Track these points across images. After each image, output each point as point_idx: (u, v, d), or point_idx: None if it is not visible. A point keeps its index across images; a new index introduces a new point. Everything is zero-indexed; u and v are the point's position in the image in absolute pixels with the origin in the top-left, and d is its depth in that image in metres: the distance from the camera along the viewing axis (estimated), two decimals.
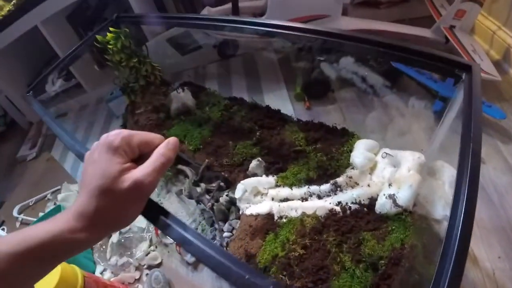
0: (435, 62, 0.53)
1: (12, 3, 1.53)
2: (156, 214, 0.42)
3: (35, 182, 1.48)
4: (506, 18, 1.14)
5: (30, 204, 1.36)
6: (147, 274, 0.90)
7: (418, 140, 0.85)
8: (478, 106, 0.41)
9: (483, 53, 1.06)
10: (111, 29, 0.94)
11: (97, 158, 0.40)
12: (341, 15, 1.18)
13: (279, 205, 0.70)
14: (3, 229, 1.32)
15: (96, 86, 1.80)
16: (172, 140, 0.44)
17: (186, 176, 0.92)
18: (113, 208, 0.38)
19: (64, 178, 1.35)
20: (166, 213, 0.42)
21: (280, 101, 1.18)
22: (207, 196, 0.84)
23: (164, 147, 0.43)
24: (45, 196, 1.36)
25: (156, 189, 1.02)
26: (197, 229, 0.87)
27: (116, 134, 0.41)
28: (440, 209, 0.62)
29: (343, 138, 0.79)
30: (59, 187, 1.34)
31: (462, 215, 0.34)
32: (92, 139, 1.52)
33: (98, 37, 0.95)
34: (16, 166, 1.69)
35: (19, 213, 1.34)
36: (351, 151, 0.74)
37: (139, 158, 0.42)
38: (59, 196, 1.24)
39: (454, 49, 1.04)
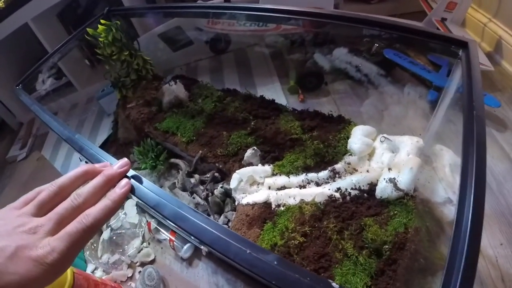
0: (432, 39, 0.53)
1: (2, 0, 1.51)
2: (146, 192, 0.41)
3: (25, 182, 1.45)
4: (496, 10, 1.15)
5: None
6: (139, 272, 0.87)
7: (414, 128, 0.85)
8: (478, 77, 0.40)
9: None
10: (102, 21, 0.92)
11: None
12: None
13: (276, 193, 0.69)
14: None
15: (86, 85, 1.78)
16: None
17: (179, 169, 0.90)
18: None
19: (55, 176, 1.28)
20: (156, 190, 0.41)
21: (274, 94, 1.17)
22: (201, 187, 0.82)
23: None
24: None
25: None
26: None
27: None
28: (442, 192, 0.61)
29: (340, 125, 0.78)
30: None
31: (473, 194, 0.33)
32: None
33: (89, 30, 0.93)
34: (6, 167, 1.65)
35: None
36: (348, 137, 0.73)
37: None
38: None
39: None
